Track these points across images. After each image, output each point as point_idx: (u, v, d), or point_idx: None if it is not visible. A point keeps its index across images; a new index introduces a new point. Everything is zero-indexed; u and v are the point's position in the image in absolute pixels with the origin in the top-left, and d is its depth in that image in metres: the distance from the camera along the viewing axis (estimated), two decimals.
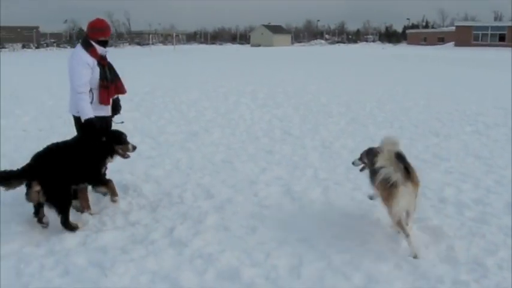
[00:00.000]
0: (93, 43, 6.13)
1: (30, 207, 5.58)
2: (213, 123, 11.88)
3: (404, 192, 4.92)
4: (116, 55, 44.86)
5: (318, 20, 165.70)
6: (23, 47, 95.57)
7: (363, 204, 6.31)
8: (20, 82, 21.38)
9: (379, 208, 5.72)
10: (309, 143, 9.75)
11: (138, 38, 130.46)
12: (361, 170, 5.94)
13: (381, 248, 5.12)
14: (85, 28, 6.35)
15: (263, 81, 21.89)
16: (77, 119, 6.25)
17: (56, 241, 5.17)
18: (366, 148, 5.92)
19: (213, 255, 4.91)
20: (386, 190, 5.02)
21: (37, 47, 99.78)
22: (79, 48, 6.17)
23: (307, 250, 5.07)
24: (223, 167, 7.99)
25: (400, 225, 5.05)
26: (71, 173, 5.54)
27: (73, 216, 5.59)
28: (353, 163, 6.03)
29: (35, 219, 5.51)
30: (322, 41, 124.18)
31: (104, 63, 6.24)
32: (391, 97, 16.41)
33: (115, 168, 7.69)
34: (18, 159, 8.44)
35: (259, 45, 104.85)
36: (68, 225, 5.42)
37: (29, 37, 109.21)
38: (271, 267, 4.74)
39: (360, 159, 5.89)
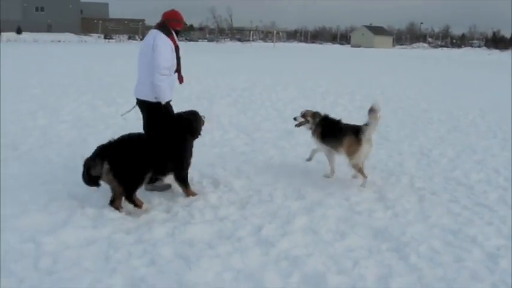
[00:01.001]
0: (172, 31, 6.43)
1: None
2: None
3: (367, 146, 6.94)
4: (216, 50, 45.81)
5: (422, 23, 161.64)
6: (129, 38, 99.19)
7: (460, 218, 5.98)
8: (123, 71, 22.18)
9: (475, 222, 5.76)
10: (406, 149, 9.39)
11: (239, 34, 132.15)
12: (298, 125, 7.54)
13: (477, 267, 4.80)
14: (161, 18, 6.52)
15: (362, 82, 21.52)
16: (148, 104, 6.42)
17: (146, 230, 5.24)
18: (309, 109, 7.60)
19: (299, 258, 4.78)
20: (353, 146, 6.90)
21: (141, 39, 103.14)
22: (161, 33, 6.30)
23: (397, 261, 4.84)
24: (316, 167, 7.82)
25: (361, 171, 7.05)
26: (150, 162, 5.80)
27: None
28: (294, 118, 7.53)
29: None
30: (425, 45, 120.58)
31: (178, 50, 6.49)
32: (494, 106, 15.59)
33: (208, 161, 7.78)
34: None
35: (359, 46, 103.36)
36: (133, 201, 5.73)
37: (135, 29, 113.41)
38: (358, 276, 4.55)
39: (303, 116, 7.43)
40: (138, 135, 6.07)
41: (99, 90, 16.41)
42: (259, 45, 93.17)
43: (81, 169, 5.56)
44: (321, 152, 7.49)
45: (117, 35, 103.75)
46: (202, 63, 30.42)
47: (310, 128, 7.38)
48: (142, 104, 6.48)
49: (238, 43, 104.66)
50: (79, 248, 4.80)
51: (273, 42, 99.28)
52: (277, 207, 6.05)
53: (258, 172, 7.49)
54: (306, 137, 9.90)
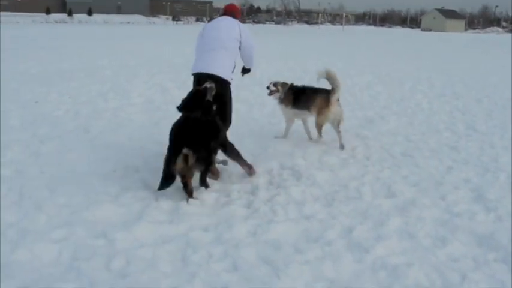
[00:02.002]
0: None
1: (202, 189, 5.58)
2: (389, 110, 11.02)
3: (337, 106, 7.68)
4: (284, 32, 45.39)
5: (497, 6, 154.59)
6: (197, 20, 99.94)
7: None
8: (192, 53, 21.93)
9: None
10: (498, 142, 8.54)
11: (307, 17, 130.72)
12: (270, 94, 8.03)
13: None
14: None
15: (439, 68, 20.42)
16: (225, 82, 6.45)
17: (225, 228, 4.77)
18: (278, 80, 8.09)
19: (398, 268, 4.19)
20: (324, 105, 7.59)
21: (209, 21, 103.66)
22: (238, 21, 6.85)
23: (510, 276, 4.18)
24: (404, 161, 7.17)
25: (321, 130, 7.85)
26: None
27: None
28: (267, 87, 8.01)
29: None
30: (499, 29, 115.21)
31: None
32: None
33: (287, 151, 7.28)
34: None
35: (430, 30, 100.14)
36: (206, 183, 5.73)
37: (202, 11, 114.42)
38: None
39: (275, 85, 7.94)
40: (190, 118, 5.85)
41: (169, 72, 16.18)
42: (327, 28, 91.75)
43: (153, 154, 5.21)
44: (291, 123, 8.15)
45: (185, 17, 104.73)
46: (271, 45, 29.87)
47: (280, 97, 7.88)
48: (218, 81, 6.30)
49: (306, 26, 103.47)
50: (154, 246, 4.38)
51: (341, 25, 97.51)
52: (367, 206, 5.46)
53: (342, 164, 6.91)
54: (389, 125, 9.30)
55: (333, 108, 7.61)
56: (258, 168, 6.42)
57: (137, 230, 4.62)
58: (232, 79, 6.57)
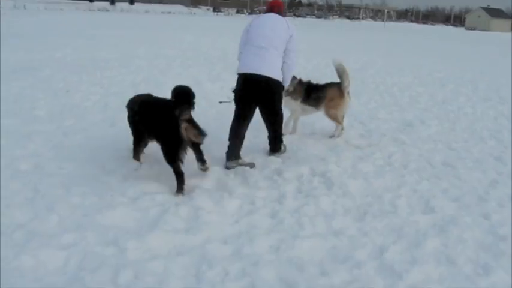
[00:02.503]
0: None
1: (226, 197, 5.28)
2: (429, 113, 10.46)
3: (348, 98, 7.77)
4: (325, 27, 44.75)
5: None
6: (237, 12, 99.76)
7: None
8: (229, 46, 21.64)
9: None
10: None
11: (348, 12, 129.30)
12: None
13: None
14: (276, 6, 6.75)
15: (484, 69, 19.60)
16: (278, 83, 6.36)
17: (245, 241, 4.40)
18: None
19: None
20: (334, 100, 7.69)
21: (250, 13, 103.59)
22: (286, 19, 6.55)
23: None
24: (444, 171, 6.67)
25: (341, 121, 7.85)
26: None
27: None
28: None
29: None
30: None
31: None
32: None
33: (319, 155, 6.89)
34: (218, 127, 8.05)
35: (474, 29, 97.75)
36: None
37: (243, 3, 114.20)
38: None
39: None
40: None
41: (204, 64, 15.88)
42: (368, 23, 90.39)
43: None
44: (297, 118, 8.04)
45: (225, 8, 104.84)
46: (311, 40, 29.34)
47: (288, 90, 7.36)
48: (272, 83, 6.23)
49: (347, 21, 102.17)
50: (167, 258, 4.04)
51: (383, 21, 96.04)
52: (402, 222, 5.01)
53: (377, 172, 6.45)
54: (429, 131, 8.78)
55: (346, 99, 7.77)
56: (287, 173, 6.05)
57: (151, 238, 4.30)
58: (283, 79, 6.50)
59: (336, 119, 7.82)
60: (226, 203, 5.13)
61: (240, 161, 6.28)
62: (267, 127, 6.60)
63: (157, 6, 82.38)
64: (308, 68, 16.08)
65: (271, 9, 6.62)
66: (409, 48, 30.33)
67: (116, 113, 8.62)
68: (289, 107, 7.74)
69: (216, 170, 6.04)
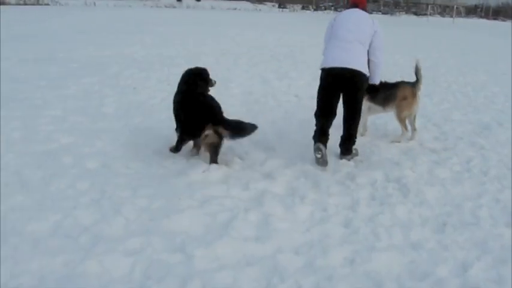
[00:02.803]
0: None
1: (297, 203, 5.03)
2: (507, 115, 9.85)
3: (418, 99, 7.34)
4: (392, 23, 43.68)
5: None
6: (302, 8, 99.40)
7: None
8: (296, 42, 21.36)
9: None
10: None
11: (415, 8, 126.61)
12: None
13: None
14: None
15: None
16: (365, 77, 6.24)
17: (319, 251, 4.16)
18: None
19: None
20: (405, 100, 7.25)
21: (315, 9, 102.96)
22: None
23: None
24: None
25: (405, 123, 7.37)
26: None
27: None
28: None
29: None
30: None
31: None
32: None
33: (393, 159, 6.57)
34: (286, 127, 7.83)
35: None
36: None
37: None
38: None
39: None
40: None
41: (271, 61, 15.68)
42: (436, 20, 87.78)
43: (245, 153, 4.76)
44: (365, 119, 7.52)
45: (290, 5, 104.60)
46: None
47: None
48: (358, 76, 6.10)
49: (414, 17, 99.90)
50: (235, 268, 3.85)
51: (451, 17, 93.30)
52: (485, 235, 4.64)
53: (455, 179, 6.05)
54: (508, 134, 8.26)
55: (418, 100, 7.42)
56: (360, 178, 5.78)
57: (219, 246, 4.12)
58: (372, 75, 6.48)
59: (403, 122, 7.39)
60: (297, 209, 4.91)
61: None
62: (343, 125, 6.40)
63: (222, 3, 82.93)
64: None
65: (355, 4, 6.47)
66: (481, 45, 29.15)
67: None
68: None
69: (286, 173, 5.83)
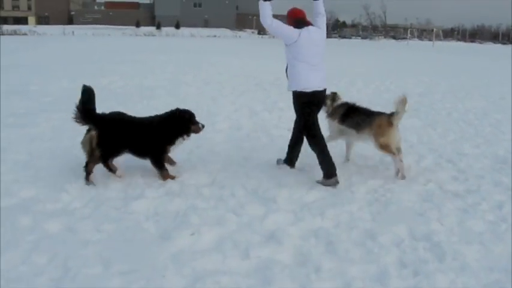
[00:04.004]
0: None
1: (313, 278, 3.96)
2: None
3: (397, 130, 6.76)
4: (372, 48, 43.68)
5: None
6: None
7: None
8: (279, 69, 20.54)
9: None
10: None
11: (393, 32, 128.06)
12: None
13: None
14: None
15: None
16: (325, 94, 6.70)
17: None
18: None
19: None
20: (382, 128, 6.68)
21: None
22: None
23: None
24: None
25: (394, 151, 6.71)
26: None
27: None
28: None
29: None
30: None
31: None
32: None
33: (415, 208, 5.60)
34: (284, 169, 6.79)
35: None
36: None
37: None
38: None
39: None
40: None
41: (257, 90, 14.80)
42: (415, 43, 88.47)
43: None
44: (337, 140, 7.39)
45: None
46: (362, 62, 28.08)
47: (327, 111, 7.28)
48: (322, 94, 6.56)
49: (393, 41, 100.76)
50: None
51: (430, 40, 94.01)
52: None
53: (493, 233, 4.97)
54: None
55: (396, 130, 6.74)
56: (383, 237, 4.79)
57: None
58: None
59: (384, 149, 6.75)
60: (316, 286, 3.88)
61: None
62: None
63: (202, 30, 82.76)
64: (368, 93, 14.86)
65: (304, 20, 6.43)
66: (465, 68, 28.61)
67: None
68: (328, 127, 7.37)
69: (292, 233, 4.80)
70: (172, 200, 5.55)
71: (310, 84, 6.27)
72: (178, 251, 4.35)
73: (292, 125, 6.88)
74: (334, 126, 7.22)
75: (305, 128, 6.49)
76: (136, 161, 6.47)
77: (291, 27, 6.22)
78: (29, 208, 5.21)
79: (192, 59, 26.03)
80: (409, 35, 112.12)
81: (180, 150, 6.82)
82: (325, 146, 6.38)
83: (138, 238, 4.61)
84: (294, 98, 6.47)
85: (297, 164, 6.98)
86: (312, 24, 6.41)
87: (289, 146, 6.93)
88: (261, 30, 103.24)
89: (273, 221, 5.06)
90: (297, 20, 6.37)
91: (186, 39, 56.33)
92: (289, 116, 10.58)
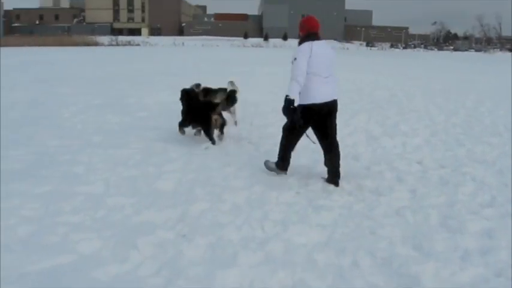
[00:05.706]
0: None
1: None
2: None
3: None
4: (491, 62, 40.55)
5: None
6: (391, 46, 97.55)
7: None
8: (395, 84, 18.69)
9: None
10: None
11: (509, 44, 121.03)
12: None
13: None
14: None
15: None
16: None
17: None
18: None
19: None
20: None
21: (404, 47, 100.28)
22: None
23: None
24: None
25: None
26: None
27: None
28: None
29: None
30: None
31: None
32: None
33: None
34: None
35: None
36: None
37: (397, 37, 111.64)
38: None
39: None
40: None
41: (373, 109, 12.97)
42: None
43: None
44: None
45: (379, 43, 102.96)
46: (489, 79, 25.48)
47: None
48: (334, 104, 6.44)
49: (509, 53, 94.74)
50: None
51: None
52: None
53: None
54: None
55: None
56: None
57: None
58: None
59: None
60: None
61: None
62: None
63: None
64: (503, 115, 12.69)
65: (317, 34, 6.35)
66: None
67: None
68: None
69: None
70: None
71: (322, 97, 6.23)
72: None
73: (418, 155, 6.19)
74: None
75: (288, 128, 6.49)
76: None
77: (305, 54, 6.11)
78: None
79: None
80: None
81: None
82: (294, 146, 6.62)
83: None
84: (300, 109, 6.13)
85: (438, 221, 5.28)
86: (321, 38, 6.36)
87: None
88: (370, 42, 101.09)
89: None
90: (311, 34, 6.31)
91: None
92: (416, 144, 8.86)
